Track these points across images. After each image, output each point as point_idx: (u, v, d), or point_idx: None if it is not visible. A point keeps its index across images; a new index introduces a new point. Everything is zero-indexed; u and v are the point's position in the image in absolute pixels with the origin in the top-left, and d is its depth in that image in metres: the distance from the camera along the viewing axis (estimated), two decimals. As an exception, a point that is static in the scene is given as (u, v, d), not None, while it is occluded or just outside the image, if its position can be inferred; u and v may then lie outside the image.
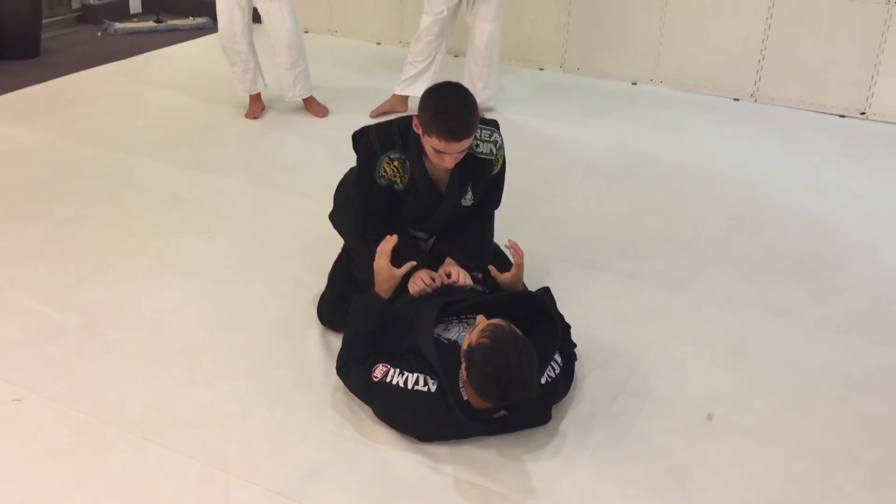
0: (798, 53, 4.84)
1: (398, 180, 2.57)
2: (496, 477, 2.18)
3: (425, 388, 2.21)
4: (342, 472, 2.19)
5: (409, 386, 2.22)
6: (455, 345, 2.31)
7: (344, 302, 2.69)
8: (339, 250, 3.18)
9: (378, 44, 6.04)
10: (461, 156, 2.45)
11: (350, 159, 3.98)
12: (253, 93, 4.60)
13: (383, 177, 2.56)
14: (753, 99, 5.03)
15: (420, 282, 2.52)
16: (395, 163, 2.54)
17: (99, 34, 6.31)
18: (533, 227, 3.44)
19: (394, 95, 4.64)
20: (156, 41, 6.11)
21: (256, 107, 4.63)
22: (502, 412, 2.24)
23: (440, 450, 2.26)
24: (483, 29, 4.44)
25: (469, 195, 2.64)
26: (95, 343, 2.69)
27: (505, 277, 2.60)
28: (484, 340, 2.11)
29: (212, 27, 6.44)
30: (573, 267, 3.14)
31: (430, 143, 2.39)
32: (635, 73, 5.31)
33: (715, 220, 3.58)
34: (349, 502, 2.10)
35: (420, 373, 2.23)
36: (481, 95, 4.63)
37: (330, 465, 2.21)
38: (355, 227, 2.71)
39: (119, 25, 6.37)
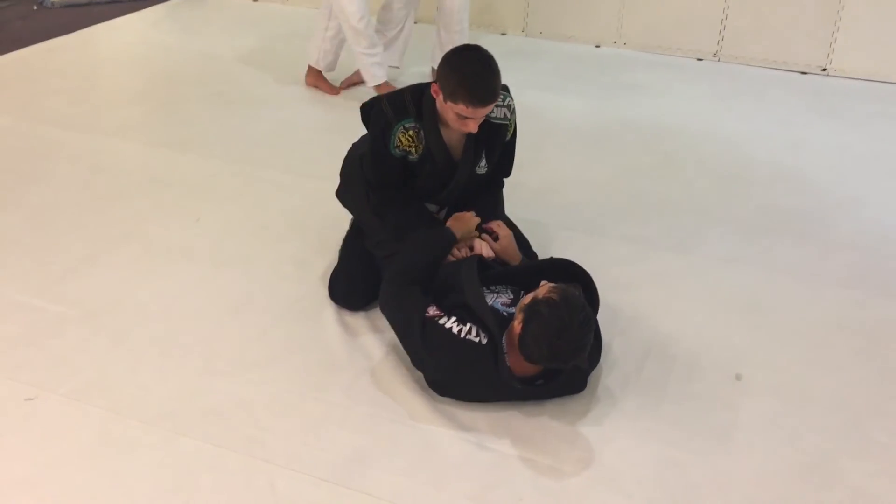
0: (759, 12, 4.91)
1: (413, 150, 2.51)
2: (543, 449, 2.17)
3: (477, 339, 2.18)
4: (387, 455, 2.15)
5: (462, 334, 2.18)
6: (495, 311, 2.29)
7: (362, 279, 2.66)
8: (337, 226, 3.11)
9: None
10: (482, 119, 2.41)
11: (330, 131, 3.92)
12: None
13: (398, 147, 2.50)
14: (717, 58, 5.08)
15: None
16: (411, 132, 2.49)
17: (35, 7, 5.97)
18: (524, 193, 3.41)
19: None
20: (97, 14, 5.81)
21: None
22: (540, 381, 2.24)
23: (480, 423, 2.24)
24: None
25: (483, 162, 2.61)
26: (101, 336, 2.57)
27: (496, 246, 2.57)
28: (552, 296, 2.11)
29: (154, -2, 6.18)
30: (575, 234, 3.14)
31: (456, 110, 2.34)
32: (599, 36, 5.30)
33: (702, 181, 3.62)
34: (399, 485, 2.07)
35: (473, 324, 2.20)
36: (452, 62, 4.56)
37: (373, 449, 2.17)
38: (367, 202, 2.64)
39: (56, -2, 6.04)
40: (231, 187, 3.48)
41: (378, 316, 2.66)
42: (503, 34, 5.49)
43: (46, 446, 2.17)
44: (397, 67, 4.49)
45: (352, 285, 2.68)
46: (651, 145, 3.96)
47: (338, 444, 2.18)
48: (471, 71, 2.32)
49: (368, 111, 2.57)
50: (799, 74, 4.90)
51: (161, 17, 5.79)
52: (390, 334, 2.58)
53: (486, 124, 2.51)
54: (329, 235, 3.09)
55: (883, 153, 3.90)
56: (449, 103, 2.35)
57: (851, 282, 2.91)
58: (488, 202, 2.70)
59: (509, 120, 2.58)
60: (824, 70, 4.88)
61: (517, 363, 2.19)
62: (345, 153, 3.69)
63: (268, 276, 2.88)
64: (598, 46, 5.30)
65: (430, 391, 2.34)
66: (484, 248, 2.54)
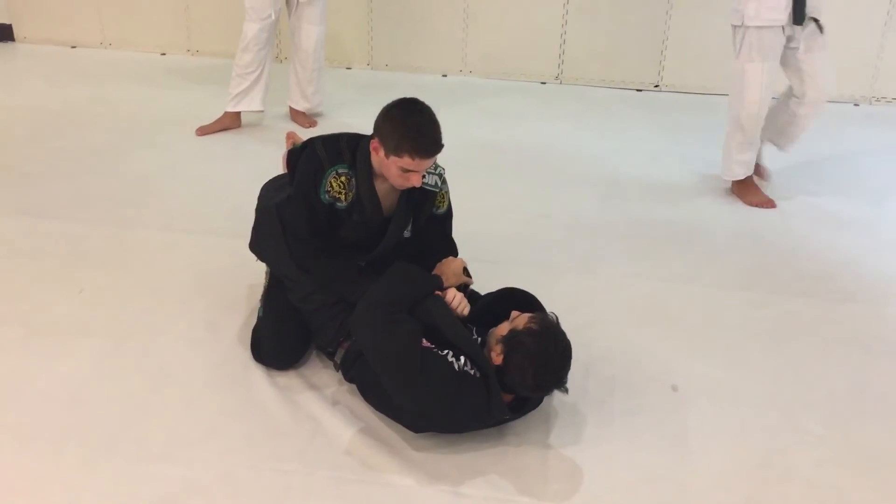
0: (594, 35, 5.19)
1: (342, 197, 2.43)
2: (519, 488, 2.16)
3: (472, 372, 2.16)
4: (365, 519, 2.07)
5: (459, 368, 2.15)
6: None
7: (291, 335, 2.54)
8: (240, 280, 2.99)
9: (163, 54, 5.62)
10: (424, 171, 2.39)
11: (198, 181, 3.72)
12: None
13: (328, 192, 2.42)
14: (559, 81, 5.32)
15: None
16: (343, 178, 2.42)
17: None
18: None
19: (226, 113, 4.32)
20: None
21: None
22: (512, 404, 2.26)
23: (449, 470, 2.20)
24: (310, 32, 4.29)
25: (409, 226, 2.57)
26: (4, 433, 2.29)
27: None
28: (532, 326, 2.14)
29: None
30: (482, 264, 3.12)
31: (400, 164, 2.30)
32: (444, 66, 5.40)
33: (584, 201, 3.76)
34: (385, 548, 1.99)
35: (465, 357, 2.17)
36: (312, 101, 4.49)
37: (348, 515, 2.07)
38: (292, 253, 2.52)
39: None
40: (108, 252, 3.22)
41: (312, 372, 2.57)
42: (348, 68, 5.47)
43: (-26, 572, 1.90)
44: (262, 111, 4.35)
45: (280, 343, 2.55)
46: (524, 169, 4.07)
47: (310, 516, 2.07)
48: (413, 123, 2.29)
49: (298, 154, 2.47)
50: (635, 92, 5.21)
51: (-31, 69, 5.29)
52: (331, 390, 2.49)
53: (418, 189, 2.46)
54: (233, 291, 2.94)
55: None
56: (392, 158, 2.30)
57: (745, 284, 3.12)
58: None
59: (440, 189, 2.56)
60: (657, 87, 5.23)
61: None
62: (223, 204, 3.53)
63: (179, 343, 2.69)
64: (444, 76, 5.39)
65: (390, 444, 2.28)
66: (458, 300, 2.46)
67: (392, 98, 2.42)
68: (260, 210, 2.69)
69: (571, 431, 2.36)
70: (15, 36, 5.76)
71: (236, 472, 2.19)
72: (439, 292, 2.40)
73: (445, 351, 2.18)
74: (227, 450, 2.26)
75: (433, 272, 2.49)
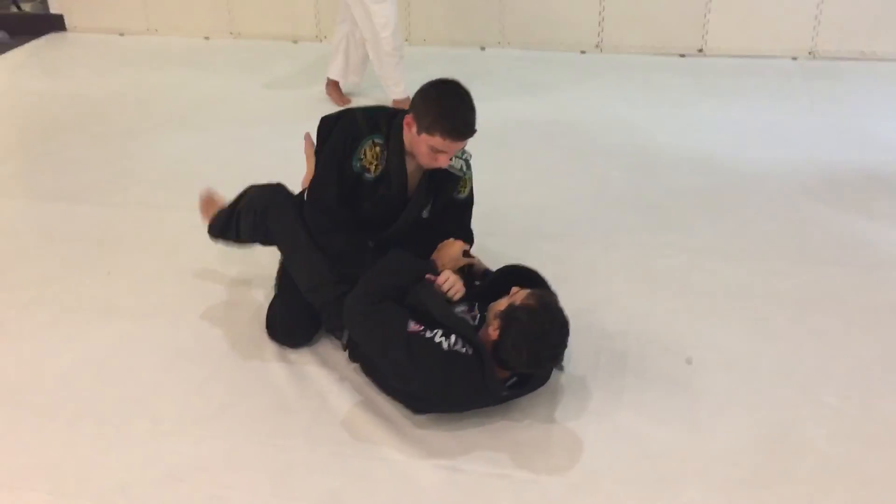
0: (636, 1, 5.05)
1: (373, 168, 2.44)
2: (517, 463, 2.15)
3: (464, 351, 2.15)
4: (363, 494, 2.08)
5: (449, 347, 2.15)
6: (465, 321, 2.30)
7: (304, 313, 2.56)
8: (259, 262, 3.03)
9: (206, 38, 5.71)
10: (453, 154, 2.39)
11: (228, 165, 3.77)
12: None
13: (361, 160, 2.43)
14: (599, 50, 5.20)
15: None
16: (377, 148, 2.43)
17: None
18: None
19: (395, 101, 4.29)
20: (-51, 63, 5.44)
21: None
22: (514, 379, 2.24)
23: (449, 446, 2.21)
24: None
25: (429, 206, 2.57)
26: (27, 413, 2.38)
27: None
28: (530, 302, 2.12)
29: (8, 42, 5.83)
30: (504, 238, 3.12)
31: (431, 143, 2.30)
32: (482, 38, 5.34)
33: (614, 171, 3.68)
34: (381, 523, 2.01)
35: (457, 335, 2.16)
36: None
37: (347, 490, 2.09)
38: (308, 222, 2.49)
39: None
40: (136, 235, 3.30)
41: (324, 349, 2.59)
42: (387, 45, 5.44)
43: (-10, 543, 1.99)
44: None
45: (293, 321, 2.58)
46: (557, 141, 4.00)
47: (310, 491, 2.09)
48: (449, 104, 2.29)
49: (334, 122, 2.48)
50: (678, 58, 5.06)
51: (24, 61, 5.47)
52: (339, 369, 2.51)
53: (442, 171, 2.46)
54: (251, 273, 2.98)
55: (773, 124, 4.07)
56: (424, 136, 2.30)
57: (770, 253, 3.02)
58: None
59: (464, 174, 2.55)
60: (701, 51, 5.07)
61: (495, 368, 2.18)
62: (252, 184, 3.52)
63: (198, 324, 2.74)
64: (483, 48, 5.33)
65: (392, 421, 2.29)
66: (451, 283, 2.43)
67: (423, 72, 2.42)
68: (274, 214, 2.59)
69: (578, 406, 2.33)
70: (67, 26, 5.92)
71: (241, 448, 2.23)
72: (432, 276, 2.38)
73: (434, 331, 2.17)
74: (234, 426, 2.31)
75: (432, 255, 2.48)
